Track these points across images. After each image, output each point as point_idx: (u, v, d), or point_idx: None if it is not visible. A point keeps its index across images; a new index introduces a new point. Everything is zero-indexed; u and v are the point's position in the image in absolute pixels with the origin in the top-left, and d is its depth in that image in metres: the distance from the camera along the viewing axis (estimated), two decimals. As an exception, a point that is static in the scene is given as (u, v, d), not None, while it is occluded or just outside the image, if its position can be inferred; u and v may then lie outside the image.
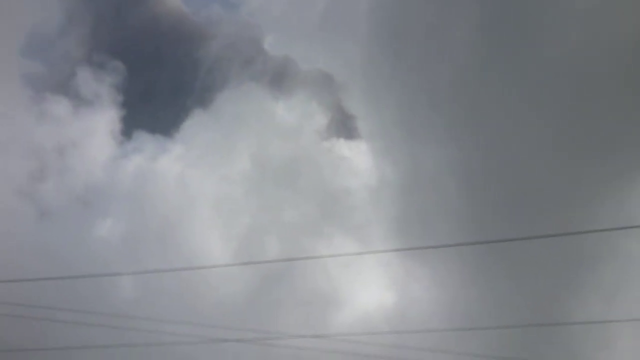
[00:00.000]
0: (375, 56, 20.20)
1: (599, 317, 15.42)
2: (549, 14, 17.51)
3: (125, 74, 29.65)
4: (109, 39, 31.42)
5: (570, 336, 15.53)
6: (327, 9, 22.11)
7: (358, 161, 22.15)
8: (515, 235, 15.23)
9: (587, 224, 17.48)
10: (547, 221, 17.46)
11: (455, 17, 18.91)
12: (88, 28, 31.59)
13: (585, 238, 16.24)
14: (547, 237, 12.83)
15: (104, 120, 27.35)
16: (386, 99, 20.20)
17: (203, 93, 27.85)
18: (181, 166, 23.62)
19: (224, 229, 20.63)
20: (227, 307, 18.31)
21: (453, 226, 18.72)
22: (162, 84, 30.72)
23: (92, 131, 27.24)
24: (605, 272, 16.82)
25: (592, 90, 17.60)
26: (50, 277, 16.50)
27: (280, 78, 25.52)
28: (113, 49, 31.05)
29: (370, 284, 19.20)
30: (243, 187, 21.42)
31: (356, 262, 19.33)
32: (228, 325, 16.42)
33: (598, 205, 17.81)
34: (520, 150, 18.46)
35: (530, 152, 18.41)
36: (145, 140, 25.93)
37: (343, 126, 23.33)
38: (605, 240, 16.60)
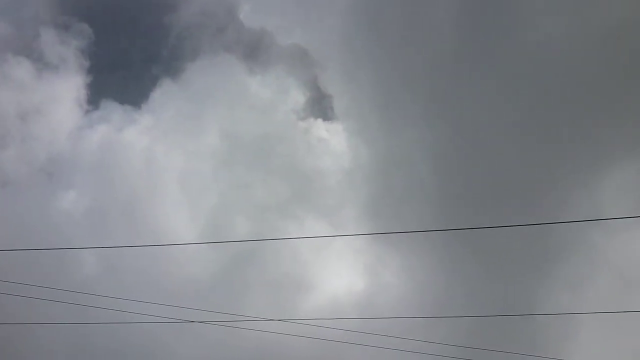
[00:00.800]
0: (353, 35, 19.69)
1: (566, 307, 15.55)
2: (524, 2, 17.27)
3: (92, 38, 28.11)
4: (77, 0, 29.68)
5: (537, 326, 15.62)
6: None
7: (333, 142, 21.66)
8: (485, 223, 15.10)
9: (557, 214, 17.56)
10: (517, 210, 17.49)
11: (433, 2, 18.54)
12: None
13: (553, 228, 16.30)
14: (516, 226, 12.64)
15: (69, 86, 25.96)
16: (363, 79, 19.79)
17: (174, 62, 26.58)
18: (149, 138, 22.69)
19: (192, 205, 19.95)
20: (193, 287, 17.78)
21: (425, 210, 18.64)
22: (131, 51, 29.31)
23: (57, 97, 25.86)
24: (572, 263, 16.95)
25: (566, 82, 17.54)
26: (8, 249, 15.63)
27: (255, 51, 24.55)
28: (80, 11, 29.37)
29: (340, 268, 18.94)
30: (212, 162, 20.70)
31: (327, 246, 19.04)
32: (194, 305, 15.92)
33: (567, 195, 17.90)
34: (492, 136, 18.43)
35: (502, 139, 18.36)
36: (112, 109, 24.73)
37: (319, 105, 22.70)
38: (574, 231, 16.68)
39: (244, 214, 19.66)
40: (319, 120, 22.36)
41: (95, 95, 25.92)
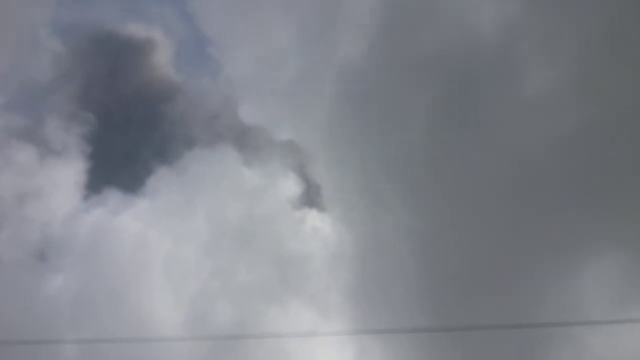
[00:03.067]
0: (337, 128, 20.13)
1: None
2: (500, 100, 17.77)
3: (95, 125, 28.77)
4: (84, 91, 30.61)
5: None
6: (298, 76, 22.02)
7: (319, 228, 21.62)
8: (466, 314, 14.70)
9: (538, 306, 17.18)
10: (495, 300, 17.09)
11: (413, 92, 19.11)
12: (77, 87, 30.59)
13: (539, 329, 15.87)
14: (493, 327, 12.26)
15: (69, 171, 26.23)
16: (347, 168, 19.98)
17: (171, 150, 27.11)
18: (142, 224, 22.59)
19: (176, 292, 19.52)
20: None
21: (409, 296, 18.22)
22: (131, 138, 29.92)
23: (57, 181, 26.05)
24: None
25: (544, 173, 17.67)
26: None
27: (249, 143, 25.15)
28: (85, 100, 30.25)
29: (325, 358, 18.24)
30: (199, 248, 20.50)
31: (312, 332, 18.45)
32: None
33: (547, 287, 17.59)
34: (470, 223, 18.36)
35: (480, 226, 18.29)
36: (109, 194, 24.85)
37: (307, 194, 22.88)
38: (558, 330, 16.24)
39: (228, 300, 19.21)
40: (308, 209, 22.46)
41: (94, 180, 26.18)
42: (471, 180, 18.54)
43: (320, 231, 21.64)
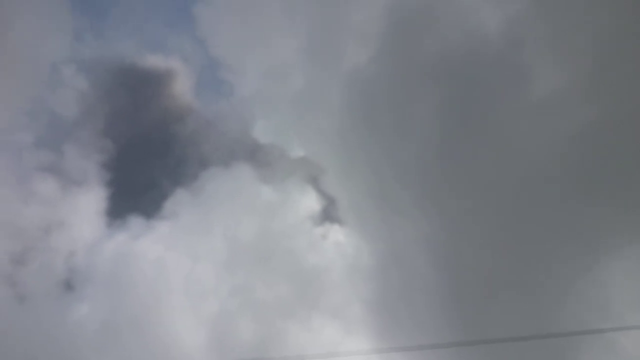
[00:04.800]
0: (348, 141, 19.80)
1: None
2: (509, 100, 17.24)
3: (112, 152, 28.88)
4: (107, 123, 30.72)
5: None
6: (306, 88, 21.74)
7: (336, 242, 21.22)
8: (488, 330, 14.11)
9: (562, 304, 16.50)
10: (520, 300, 16.44)
11: (421, 97, 18.70)
12: (101, 120, 30.74)
13: (561, 321, 15.20)
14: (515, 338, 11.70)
15: (90, 199, 26.29)
16: (360, 180, 19.61)
17: (187, 172, 27.04)
18: (162, 246, 22.46)
19: (197, 314, 19.28)
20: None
21: (430, 305, 17.67)
22: (149, 162, 29.96)
23: (79, 210, 26.13)
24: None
25: (562, 170, 17.06)
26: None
27: (266, 162, 24.96)
28: (101, 128, 30.41)
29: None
30: (218, 267, 20.26)
31: (335, 347, 18.00)
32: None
33: (571, 284, 16.89)
34: (487, 227, 17.76)
35: (499, 230, 17.68)
36: (129, 220, 24.84)
37: (323, 208, 22.54)
38: (584, 324, 15.53)
39: (248, 318, 18.87)
40: (326, 223, 22.08)
41: (115, 207, 26.22)
42: (486, 182, 18.00)
43: (337, 244, 21.22)
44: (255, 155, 25.26)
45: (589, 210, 16.74)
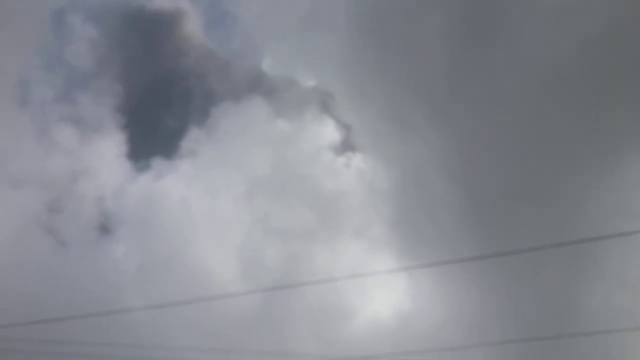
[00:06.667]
0: (356, 62, 19.11)
1: (604, 325, 14.33)
2: (520, 4, 16.22)
3: (126, 96, 28.64)
4: (121, 69, 30.14)
5: (574, 350, 14.51)
6: (310, 14, 20.80)
7: (354, 166, 21.22)
8: (511, 242, 14.20)
9: (583, 208, 16.44)
10: (541, 213, 16.42)
11: (427, 12, 17.76)
12: (115, 67, 30.10)
13: (584, 224, 15.22)
14: (542, 249, 11.73)
15: (109, 144, 26.46)
16: (372, 103, 19.15)
17: (203, 109, 26.79)
18: (183, 185, 22.79)
19: (224, 245, 19.88)
20: (236, 325, 17.65)
21: (450, 224, 17.82)
22: (160, 102, 29.69)
23: (100, 156, 26.39)
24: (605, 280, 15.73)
25: (573, 77, 16.38)
26: (69, 315, 15.90)
27: (278, 94, 24.51)
28: (110, 71, 29.96)
29: (376, 291, 18.37)
30: (240, 199, 20.59)
31: (361, 268, 18.56)
32: (241, 344, 15.83)
33: (590, 187, 16.71)
34: (503, 138, 17.41)
35: (514, 139, 17.33)
36: (151, 160, 25.08)
37: (338, 136, 22.32)
38: (608, 225, 15.45)
39: (273, 245, 19.44)
40: (344, 150, 21.96)
41: (135, 149, 26.38)
42: (501, 92, 17.42)
43: (355, 169, 21.21)
44: (266, 88, 24.84)
45: (608, 113, 16.19)
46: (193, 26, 31.75)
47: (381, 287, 18.19)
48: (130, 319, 17.43)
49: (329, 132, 22.48)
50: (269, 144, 22.06)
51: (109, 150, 26.38)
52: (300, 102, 22.94)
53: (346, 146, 22.15)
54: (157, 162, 24.59)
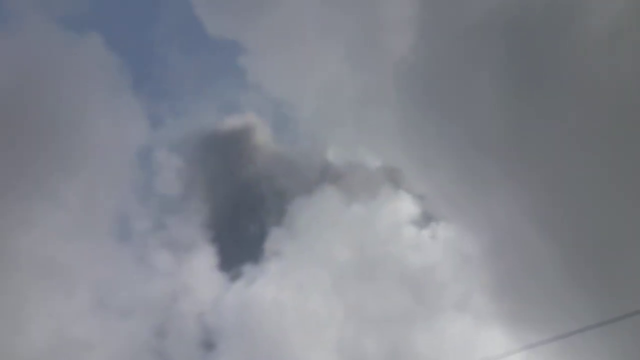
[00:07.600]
0: (414, 133, 18.81)
1: None
2: (567, 38, 15.41)
3: (208, 210, 29.94)
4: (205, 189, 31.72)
5: None
6: (362, 92, 21.05)
7: (440, 238, 20.30)
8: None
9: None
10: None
11: (475, 67, 17.34)
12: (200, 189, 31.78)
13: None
14: None
15: (201, 260, 27.39)
16: (441, 171, 18.50)
17: (279, 208, 27.35)
18: (275, 286, 22.78)
19: (327, 343, 19.15)
20: None
21: (556, 278, 16.10)
22: (242, 210, 30.72)
23: (195, 272, 27.28)
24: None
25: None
26: None
27: (346, 181, 24.64)
28: (193, 190, 31.60)
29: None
30: (329, 294, 20.08)
31: (471, 345, 17.01)
32: None
33: None
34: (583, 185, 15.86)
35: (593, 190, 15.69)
36: (241, 268, 25.55)
37: (415, 209, 21.69)
38: None
39: (372, 335, 18.43)
40: (428, 223, 21.22)
41: (225, 260, 27.10)
42: (569, 131, 16.16)
43: (440, 239, 20.23)
44: (334, 176, 25.05)
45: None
46: (262, 135, 33.37)
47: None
48: None
49: (405, 206, 21.92)
50: (348, 230, 21.81)
51: (202, 265, 27.32)
52: (369, 183, 22.78)
53: (426, 218, 21.37)
54: (247, 269, 25.01)
